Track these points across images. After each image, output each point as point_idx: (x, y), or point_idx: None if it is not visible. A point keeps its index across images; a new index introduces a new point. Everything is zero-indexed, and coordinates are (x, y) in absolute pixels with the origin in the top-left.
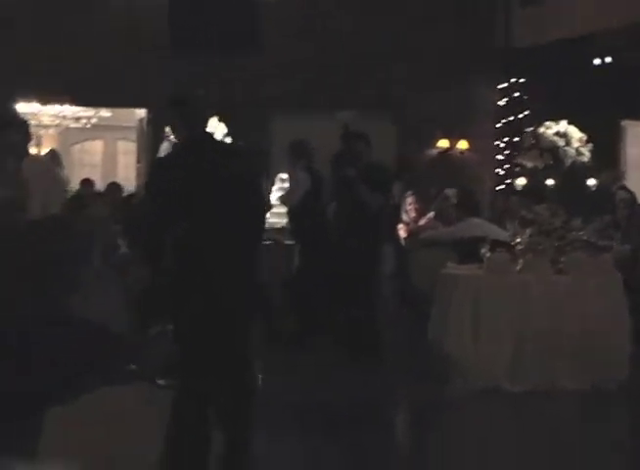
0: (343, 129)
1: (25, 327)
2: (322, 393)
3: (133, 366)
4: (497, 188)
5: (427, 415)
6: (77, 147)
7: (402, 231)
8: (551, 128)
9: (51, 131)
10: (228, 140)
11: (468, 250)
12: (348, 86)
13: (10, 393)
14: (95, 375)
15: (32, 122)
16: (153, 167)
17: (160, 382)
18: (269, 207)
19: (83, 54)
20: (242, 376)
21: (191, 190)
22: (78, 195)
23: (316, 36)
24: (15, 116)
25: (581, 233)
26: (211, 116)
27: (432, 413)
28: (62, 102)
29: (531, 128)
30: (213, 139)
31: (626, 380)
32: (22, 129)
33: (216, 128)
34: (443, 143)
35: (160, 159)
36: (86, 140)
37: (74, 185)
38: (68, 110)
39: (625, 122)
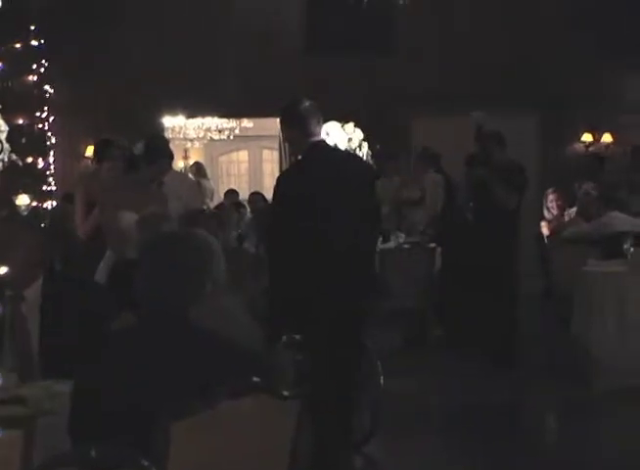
0: (476, 129)
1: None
2: (465, 394)
3: (257, 378)
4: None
5: (570, 414)
6: (224, 158)
7: (545, 228)
8: None
9: (197, 144)
10: (365, 145)
11: (612, 246)
12: (490, 85)
13: (138, 404)
14: (220, 388)
15: (179, 136)
16: (279, 179)
17: (286, 393)
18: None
19: (224, 67)
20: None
21: (314, 198)
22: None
23: (454, 36)
24: (165, 143)
25: None
26: (346, 121)
27: (575, 412)
28: (205, 115)
29: None
30: (329, 147)
31: None
32: (170, 155)
33: (353, 134)
34: (587, 137)
35: (284, 173)
36: (231, 151)
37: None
38: (212, 122)
39: None
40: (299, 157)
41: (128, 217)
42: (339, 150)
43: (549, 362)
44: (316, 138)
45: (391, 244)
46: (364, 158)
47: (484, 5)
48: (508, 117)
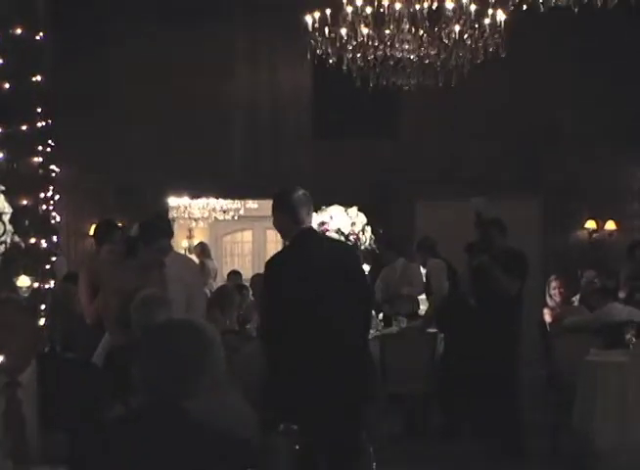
0: (476, 216)
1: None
2: None
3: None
4: None
5: None
6: (228, 238)
7: (547, 316)
8: None
9: (201, 224)
10: (368, 229)
11: (613, 335)
12: (493, 171)
13: None
14: None
15: (183, 215)
16: (267, 266)
17: None
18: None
19: (229, 148)
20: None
21: (301, 285)
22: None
23: (457, 122)
24: (166, 223)
25: None
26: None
27: None
28: (210, 195)
29: None
30: (318, 234)
31: None
32: (170, 235)
33: (356, 218)
34: (591, 224)
35: (273, 257)
36: (236, 231)
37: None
38: (216, 202)
39: None
40: (287, 243)
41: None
42: (327, 237)
43: (551, 452)
44: (305, 225)
45: (394, 329)
46: (367, 242)
47: (487, 92)
48: (511, 203)
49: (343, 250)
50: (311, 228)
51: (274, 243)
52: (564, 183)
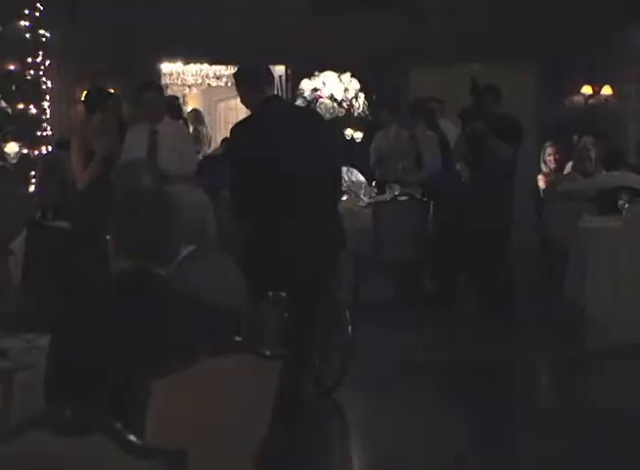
0: (471, 82)
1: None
2: (456, 350)
3: (238, 337)
4: None
5: (563, 371)
6: (222, 105)
7: (541, 182)
8: None
9: (195, 90)
10: (361, 95)
11: (607, 201)
12: (488, 37)
13: (115, 363)
14: (199, 347)
15: (177, 82)
16: (231, 133)
17: (267, 352)
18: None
19: (222, 13)
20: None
21: (265, 145)
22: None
23: None
24: (151, 81)
25: None
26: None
27: (569, 372)
28: (203, 61)
29: None
30: (283, 101)
31: None
32: (156, 90)
33: (349, 84)
34: (586, 89)
35: (237, 125)
36: (230, 98)
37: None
38: (210, 69)
39: None
40: (256, 112)
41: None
42: (294, 104)
43: (543, 318)
44: (269, 94)
45: (387, 196)
46: (360, 108)
47: None
48: (506, 69)
49: (310, 116)
50: (277, 96)
51: None
52: (560, 49)
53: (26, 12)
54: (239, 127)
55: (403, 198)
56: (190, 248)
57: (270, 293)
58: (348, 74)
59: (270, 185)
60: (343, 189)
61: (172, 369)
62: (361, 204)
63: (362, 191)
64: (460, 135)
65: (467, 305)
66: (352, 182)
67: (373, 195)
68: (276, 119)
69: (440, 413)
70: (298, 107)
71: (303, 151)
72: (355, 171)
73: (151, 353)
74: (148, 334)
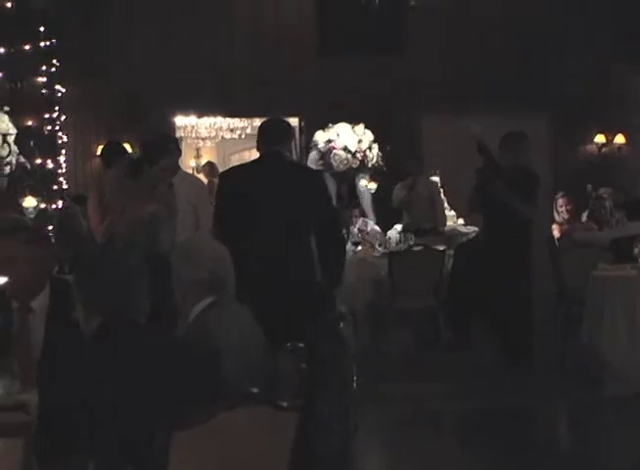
0: (477, 144)
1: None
2: (476, 397)
3: (255, 389)
4: None
5: (582, 418)
6: (235, 157)
7: (556, 231)
8: None
9: (208, 143)
10: (375, 147)
11: (622, 249)
12: (498, 85)
13: (138, 416)
14: (218, 400)
15: (191, 135)
16: (220, 178)
17: (284, 404)
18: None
19: (235, 67)
20: None
21: (241, 203)
22: None
23: (464, 37)
24: (170, 141)
25: None
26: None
27: (588, 418)
28: (217, 114)
29: None
30: (282, 158)
31: None
32: (175, 153)
33: (363, 135)
34: (600, 138)
35: (226, 171)
36: (243, 150)
37: None
38: (224, 121)
39: None
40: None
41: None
42: (294, 162)
43: (561, 365)
44: (271, 149)
45: (402, 246)
46: (374, 159)
47: (495, 5)
48: (519, 117)
49: (305, 174)
50: (278, 152)
51: None
52: (571, 97)
53: (43, 68)
54: (224, 174)
55: (418, 248)
56: (210, 299)
57: (288, 343)
58: (362, 126)
59: (240, 228)
60: (357, 240)
61: (190, 423)
62: (376, 254)
63: (377, 241)
64: (475, 186)
65: (484, 353)
66: (367, 233)
67: (387, 245)
68: (257, 171)
69: (460, 463)
70: (293, 164)
71: (278, 203)
72: (370, 222)
73: (168, 407)
74: (161, 388)
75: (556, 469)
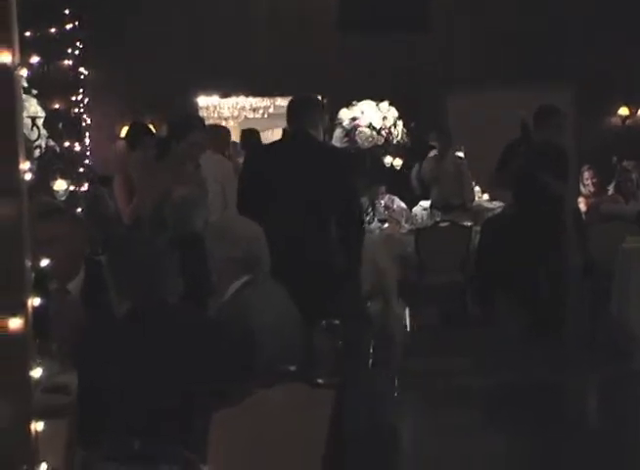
0: (522, 122)
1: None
2: (503, 370)
3: (292, 367)
4: None
5: (612, 391)
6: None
7: (582, 204)
8: None
9: (232, 123)
10: (400, 123)
11: None
12: (522, 58)
13: (177, 396)
14: (253, 379)
15: (214, 115)
16: (245, 155)
17: (320, 381)
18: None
19: (257, 45)
20: None
21: (271, 179)
22: None
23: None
24: (193, 117)
25: None
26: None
27: (617, 389)
28: (240, 94)
29: None
30: (307, 137)
31: None
32: (200, 130)
33: (388, 112)
34: (624, 111)
35: (251, 150)
36: (267, 129)
37: None
38: (246, 101)
39: None
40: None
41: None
42: (318, 142)
43: (590, 339)
44: (297, 127)
45: (428, 222)
46: (399, 136)
47: None
48: (543, 91)
49: (329, 153)
50: (303, 130)
51: None
52: (596, 70)
53: (68, 51)
54: (250, 151)
55: (445, 224)
56: (245, 278)
57: (323, 321)
58: (386, 102)
59: (261, 207)
60: (384, 217)
61: (230, 399)
62: (402, 231)
63: (403, 218)
64: (501, 161)
65: (511, 328)
66: (393, 210)
67: (414, 221)
68: (281, 150)
69: (490, 437)
70: (317, 143)
71: (299, 183)
72: (396, 199)
73: (207, 384)
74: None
75: (585, 443)
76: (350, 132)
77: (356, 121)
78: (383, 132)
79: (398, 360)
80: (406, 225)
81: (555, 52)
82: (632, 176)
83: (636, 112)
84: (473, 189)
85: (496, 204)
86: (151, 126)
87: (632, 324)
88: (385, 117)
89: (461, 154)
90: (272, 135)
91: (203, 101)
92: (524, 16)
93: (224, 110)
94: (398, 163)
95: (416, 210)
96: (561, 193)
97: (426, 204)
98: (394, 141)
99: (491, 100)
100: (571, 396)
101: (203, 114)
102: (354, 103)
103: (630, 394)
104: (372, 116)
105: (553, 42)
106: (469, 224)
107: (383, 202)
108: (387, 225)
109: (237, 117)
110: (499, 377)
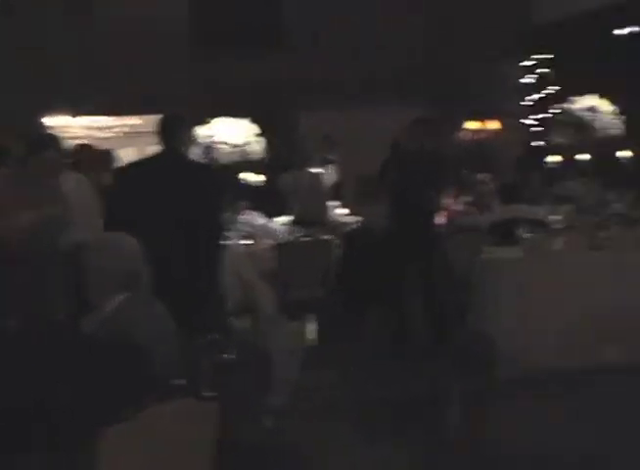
0: (392, 147)
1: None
2: (367, 386)
3: (179, 381)
4: (527, 166)
5: (473, 402)
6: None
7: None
8: (580, 103)
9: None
10: (261, 140)
11: (504, 232)
12: (372, 75)
13: (64, 411)
14: (143, 394)
15: (65, 135)
16: (115, 173)
17: (206, 394)
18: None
19: (111, 64)
20: None
21: (139, 196)
22: None
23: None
24: (49, 134)
25: (617, 206)
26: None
27: (478, 400)
28: (91, 113)
29: (562, 104)
30: (176, 155)
31: None
32: (57, 147)
33: (246, 128)
34: (473, 124)
35: (122, 166)
36: (121, 148)
37: None
38: (99, 120)
39: None
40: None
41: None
42: (182, 158)
43: (449, 351)
44: (166, 145)
45: (289, 237)
46: (258, 152)
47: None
48: (396, 107)
49: (196, 171)
50: (171, 148)
51: None
52: (446, 85)
53: None
54: (120, 167)
55: (306, 239)
56: (125, 293)
57: (204, 335)
58: (245, 119)
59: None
60: (244, 233)
61: (120, 417)
62: (263, 247)
63: (264, 234)
64: (379, 176)
65: (376, 342)
66: (253, 226)
67: (275, 237)
68: (150, 167)
69: (360, 450)
70: (185, 160)
71: (166, 200)
72: (257, 215)
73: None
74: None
75: (447, 455)
76: (208, 149)
77: (213, 138)
78: (242, 148)
79: (277, 375)
80: (266, 241)
81: (404, 69)
82: (486, 188)
83: (486, 125)
84: (328, 205)
85: (354, 218)
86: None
87: (492, 335)
88: (243, 134)
89: (318, 170)
90: (127, 154)
91: (54, 120)
92: (374, 32)
93: (76, 130)
94: (258, 178)
95: (276, 225)
96: (430, 205)
97: (285, 219)
98: (254, 157)
99: (346, 116)
100: (432, 407)
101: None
102: (210, 120)
103: (490, 404)
104: (229, 132)
105: (400, 58)
106: (329, 238)
107: (244, 218)
108: (247, 242)
109: (89, 137)
110: (364, 391)
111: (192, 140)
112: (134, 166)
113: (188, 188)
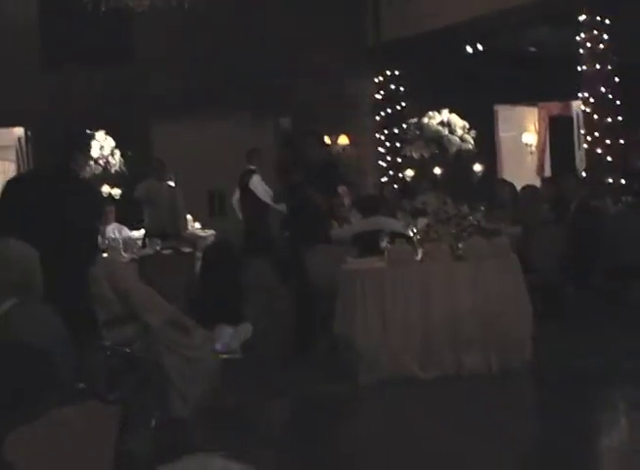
0: (284, 139)
1: None
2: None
3: (82, 385)
4: (382, 180)
5: (337, 409)
6: None
7: None
8: (434, 118)
9: None
10: (117, 152)
11: (366, 243)
12: (228, 91)
13: None
14: (45, 397)
15: None
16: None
17: (109, 397)
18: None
19: None
20: None
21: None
22: None
23: (189, 40)
24: None
25: (473, 218)
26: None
27: (342, 408)
28: None
29: (415, 119)
30: (53, 174)
31: (530, 360)
32: None
33: (104, 142)
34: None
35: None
36: None
37: None
38: None
39: (497, 107)
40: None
41: None
42: (66, 177)
43: (315, 359)
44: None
45: (149, 250)
46: (117, 165)
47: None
48: (247, 122)
49: (76, 190)
50: (60, 164)
51: (2, 174)
52: (298, 102)
53: None
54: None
55: (167, 251)
56: (13, 299)
57: (94, 342)
58: (102, 132)
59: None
60: (106, 246)
61: (23, 421)
62: (124, 260)
63: (123, 246)
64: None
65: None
66: (114, 239)
67: (134, 250)
68: (35, 184)
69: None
70: (69, 179)
71: (47, 218)
72: (124, 228)
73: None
74: None
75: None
76: None
77: None
78: (100, 161)
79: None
80: (125, 254)
81: (264, 84)
82: (344, 201)
83: (336, 140)
84: (185, 218)
85: (209, 232)
86: None
87: (356, 343)
88: (102, 147)
89: (172, 183)
90: None
91: None
92: (226, 48)
93: None
94: (117, 191)
95: (136, 238)
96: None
97: (142, 232)
98: (112, 170)
99: (199, 128)
100: (293, 414)
101: None
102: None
103: (352, 410)
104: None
105: (262, 73)
106: (190, 251)
107: (109, 231)
108: (107, 255)
109: None
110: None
111: (85, 156)
112: (19, 181)
113: (65, 201)
